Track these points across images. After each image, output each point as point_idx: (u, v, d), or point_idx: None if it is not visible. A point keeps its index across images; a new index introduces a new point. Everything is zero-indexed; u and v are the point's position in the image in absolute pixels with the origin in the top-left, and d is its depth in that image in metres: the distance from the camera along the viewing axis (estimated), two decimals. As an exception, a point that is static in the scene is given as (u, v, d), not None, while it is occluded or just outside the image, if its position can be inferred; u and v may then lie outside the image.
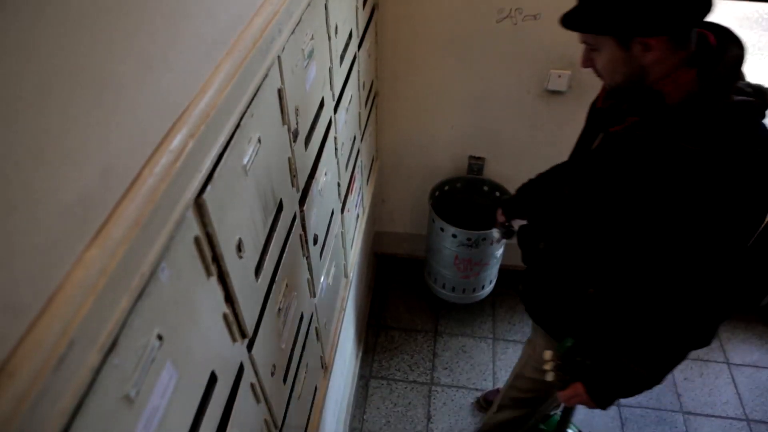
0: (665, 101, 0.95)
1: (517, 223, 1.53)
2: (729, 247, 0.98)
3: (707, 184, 0.92)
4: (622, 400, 2.19)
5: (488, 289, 2.34)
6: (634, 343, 1.14)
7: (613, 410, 2.17)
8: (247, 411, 0.79)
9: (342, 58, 1.26)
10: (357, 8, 1.39)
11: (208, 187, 0.58)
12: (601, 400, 1.21)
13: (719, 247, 0.98)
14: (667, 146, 0.94)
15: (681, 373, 2.30)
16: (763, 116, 0.96)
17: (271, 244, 0.82)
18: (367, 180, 1.99)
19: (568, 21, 0.97)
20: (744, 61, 0.94)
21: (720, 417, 2.15)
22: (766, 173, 0.93)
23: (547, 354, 1.27)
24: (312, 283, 1.14)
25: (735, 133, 0.91)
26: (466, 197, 2.29)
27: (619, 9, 0.90)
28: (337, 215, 1.38)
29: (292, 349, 1.03)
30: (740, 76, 0.95)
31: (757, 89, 0.95)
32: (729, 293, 1.03)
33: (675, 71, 0.94)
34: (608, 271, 1.16)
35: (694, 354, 2.35)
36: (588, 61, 1.02)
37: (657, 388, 2.20)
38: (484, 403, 2.15)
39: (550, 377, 1.28)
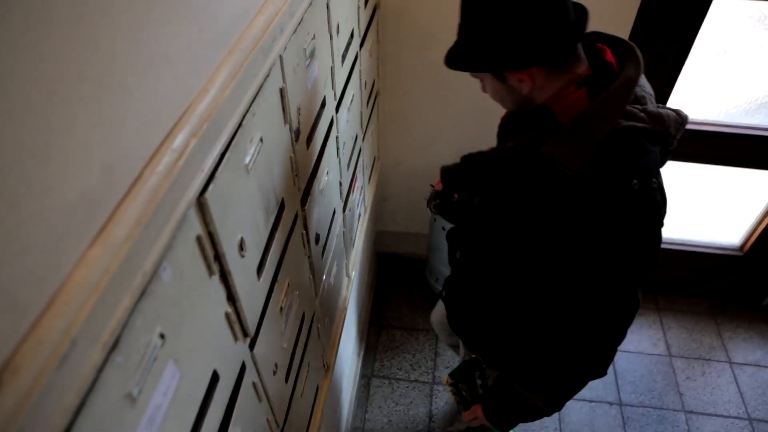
0: (556, 119, 0.94)
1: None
2: (610, 278, 0.95)
3: (582, 211, 0.90)
4: (624, 400, 2.19)
5: (490, 288, 2.34)
6: (530, 371, 1.11)
7: (614, 409, 2.17)
8: (249, 410, 0.79)
9: (344, 57, 1.26)
10: (358, 7, 1.39)
11: (210, 187, 0.58)
12: (499, 425, 1.20)
13: (600, 278, 0.95)
14: (548, 167, 0.91)
15: (683, 372, 2.30)
16: (659, 142, 0.94)
17: (273, 244, 0.83)
18: (369, 179, 1.99)
19: (448, 60, 1.00)
20: (636, 83, 0.92)
21: (722, 416, 2.15)
22: (639, 206, 0.89)
23: (444, 378, 1.26)
24: (314, 283, 1.14)
25: (614, 161, 0.88)
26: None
27: (484, 47, 0.92)
28: (339, 214, 1.38)
29: (294, 349, 1.03)
30: (633, 99, 0.92)
31: (654, 115, 0.92)
32: (620, 322, 1.00)
33: (562, 91, 0.93)
34: (510, 290, 1.14)
35: (696, 353, 2.35)
36: (484, 89, 1.05)
37: (659, 387, 2.22)
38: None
39: (452, 399, 1.27)
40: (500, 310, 1.17)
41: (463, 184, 1.44)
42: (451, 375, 1.25)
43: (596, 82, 0.92)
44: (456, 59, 0.99)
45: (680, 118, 0.97)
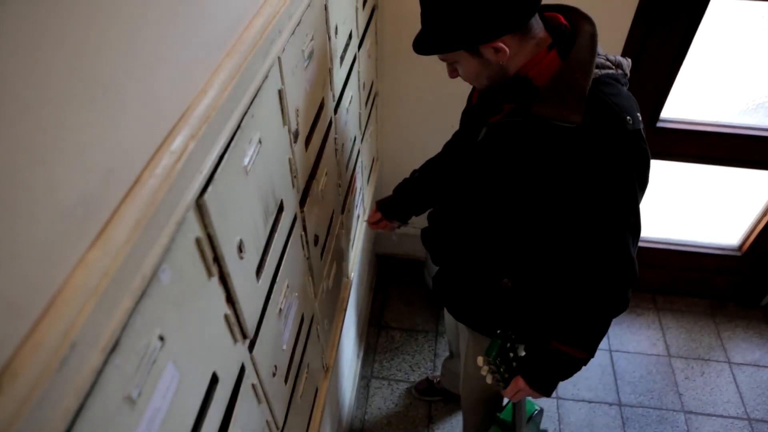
0: (533, 84, 0.99)
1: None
2: (623, 210, 1.03)
3: (589, 155, 0.96)
4: (623, 400, 2.19)
5: (489, 289, 2.34)
6: (559, 325, 1.17)
7: (614, 410, 2.17)
8: (248, 412, 0.79)
9: (342, 58, 1.26)
10: (357, 9, 1.39)
11: (209, 188, 0.58)
12: (543, 389, 1.23)
13: (615, 213, 1.02)
14: (543, 127, 0.98)
15: (682, 372, 2.30)
16: (624, 85, 1.03)
17: (272, 245, 0.83)
18: (368, 180, 1.99)
19: (418, 47, 1.01)
20: (596, 36, 0.99)
21: (721, 416, 2.15)
22: (636, 139, 0.98)
23: (480, 360, 1.26)
24: (313, 284, 1.14)
25: (607, 106, 0.95)
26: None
27: (454, 25, 0.94)
28: (338, 216, 1.38)
29: (293, 350, 1.03)
30: (597, 51, 0.99)
31: (615, 61, 1.02)
32: (633, 254, 1.07)
33: (535, 56, 0.98)
34: (520, 258, 1.18)
35: (695, 353, 2.36)
36: (453, 73, 1.07)
37: (658, 387, 2.22)
38: (416, 393, 2.20)
39: (489, 380, 1.28)
40: (512, 281, 1.20)
41: (399, 211, 1.52)
42: (487, 353, 1.24)
43: (561, 44, 0.99)
44: (427, 44, 1.00)
45: (628, 61, 1.07)
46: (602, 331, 1.15)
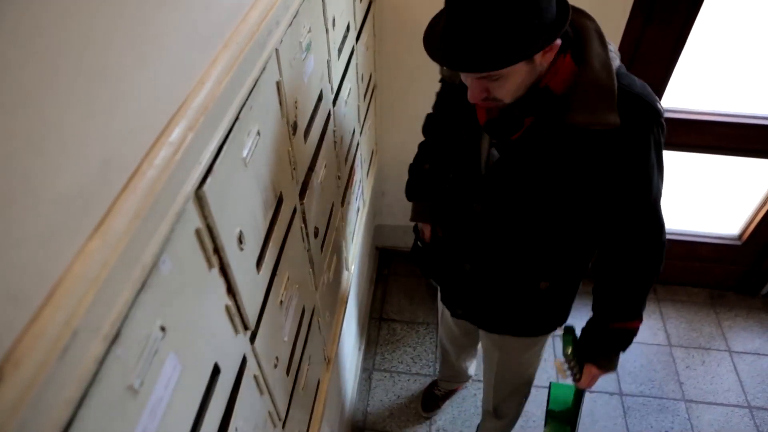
0: (553, 93, 0.97)
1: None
2: (660, 183, 1.06)
3: (633, 151, 0.98)
4: (624, 390, 2.20)
5: (489, 280, 2.34)
6: (612, 307, 1.21)
7: (615, 399, 2.18)
8: (250, 403, 0.79)
9: (340, 50, 1.25)
10: (354, 0, 1.38)
11: (208, 180, 0.58)
12: (612, 367, 1.28)
13: (654, 187, 1.05)
14: (578, 133, 0.97)
15: (682, 361, 2.31)
16: None
17: (272, 237, 0.83)
18: (367, 173, 1.99)
19: (469, 64, 0.89)
20: (600, 29, 0.98)
21: (722, 404, 2.16)
22: (664, 120, 1.00)
23: (558, 363, 1.34)
24: (313, 276, 1.15)
25: (639, 98, 0.96)
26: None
27: (518, 33, 0.84)
28: (338, 208, 1.38)
29: (295, 342, 1.03)
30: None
31: (616, 50, 1.03)
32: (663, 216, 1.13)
33: (554, 63, 0.95)
34: (558, 259, 1.22)
35: (695, 342, 2.37)
36: (483, 93, 0.95)
37: (659, 377, 2.23)
38: (424, 413, 2.14)
39: (565, 377, 1.34)
40: (551, 282, 1.24)
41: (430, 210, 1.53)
42: (565, 354, 1.32)
43: (571, 46, 0.97)
44: (485, 60, 0.87)
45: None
46: (647, 294, 1.20)
